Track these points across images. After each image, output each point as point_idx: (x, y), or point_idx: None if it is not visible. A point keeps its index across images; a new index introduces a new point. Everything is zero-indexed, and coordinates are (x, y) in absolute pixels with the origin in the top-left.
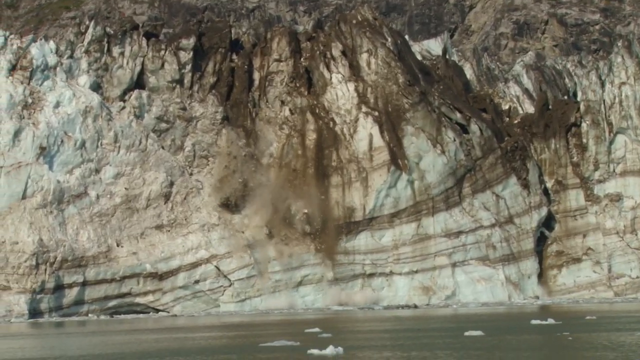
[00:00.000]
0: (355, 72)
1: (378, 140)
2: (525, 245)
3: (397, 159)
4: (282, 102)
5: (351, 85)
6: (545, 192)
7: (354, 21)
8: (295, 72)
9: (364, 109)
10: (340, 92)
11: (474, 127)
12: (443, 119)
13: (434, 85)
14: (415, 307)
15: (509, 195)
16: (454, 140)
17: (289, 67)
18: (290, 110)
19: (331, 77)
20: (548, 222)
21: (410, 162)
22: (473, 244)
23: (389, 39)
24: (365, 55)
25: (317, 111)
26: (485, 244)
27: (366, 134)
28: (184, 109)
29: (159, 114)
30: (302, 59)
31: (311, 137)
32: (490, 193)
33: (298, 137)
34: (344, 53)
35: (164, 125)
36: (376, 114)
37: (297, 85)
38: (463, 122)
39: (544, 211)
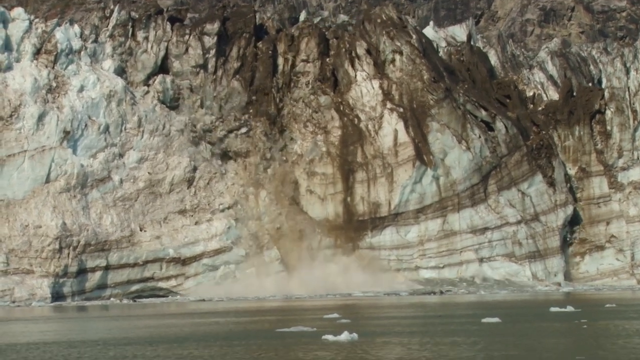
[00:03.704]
0: (379, 69)
1: (403, 136)
2: (552, 243)
3: (422, 154)
4: (307, 105)
5: (376, 83)
6: (571, 190)
7: (379, 20)
8: (322, 74)
9: (388, 105)
10: (365, 90)
11: (499, 124)
12: (468, 115)
13: (459, 83)
14: (441, 292)
15: (535, 192)
16: (479, 137)
17: (315, 68)
18: (314, 109)
19: (356, 75)
20: (574, 219)
21: (435, 158)
22: (499, 241)
23: (414, 37)
24: (389, 53)
25: (341, 108)
26: (512, 241)
27: (391, 130)
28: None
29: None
30: (328, 59)
31: (336, 133)
32: (516, 190)
33: (322, 134)
34: (368, 51)
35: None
36: (401, 110)
37: (323, 86)
38: (488, 120)
39: (569, 209)
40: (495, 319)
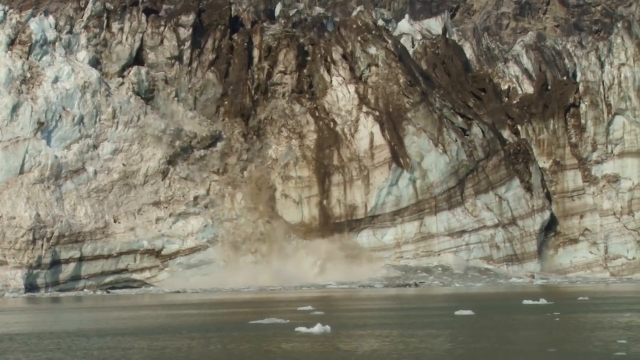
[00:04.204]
0: (355, 74)
1: (379, 139)
2: (529, 247)
3: (399, 157)
4: (282, 114)
5: (352, 87)
6: (548, 196)
7: (354, 26)
8: (299, 85)
9: (364, 109)
10: (341, 94)
11: (475, 129)
12: (444, 120)
13: (435, 88)
14: (416, 285)
15: (512, 197)
16: (456, 140)
17: (293, 80)
18: (289, 117)
19: (331, 81)
20: (550, 225)
21: (412, 161)
22: (476, 244)
23: (389, 41)
24: (365, 57)
25: (317, 114)
26: (489, 244)
27: (367, 133)
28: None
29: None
30: (305, 70)
31: (311, 137)
32: (493, 194)
33: (297, 138)
34: (344, 57)
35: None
36: (377, 113)
37: (300, 97)
38: (464, 127)
39: (547, 214)
40: (469, 312)
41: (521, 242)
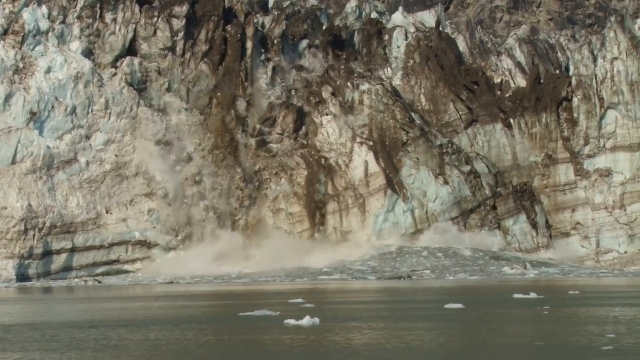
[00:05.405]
0: (345, 110)
1: (373, 167)
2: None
3: (394, 184)
4: (276, 164)
5: (342, 121)
6: (550, 237)
7: (343, 67)
8: (296, 144)
9: (358, 139)
10: (331, 130)
11: (480, 165)
12: (446, 156)
13: (432, 126)
14: (409, 277)
15: (519, 231)
16: (459, 176)
17: (290, 141)
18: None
19: (322, 122)
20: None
21: (409, 192)
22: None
23: (387, 81)
24: (357, 94)
25: (307, 154)
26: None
27: (362, 162)
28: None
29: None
30: (301, 131)
31: (302, 174)
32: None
33: (287, 177)
34: (333, 94)
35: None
36: (371, 143)
37: (295, 152)
38: (469, 165)
39: (550, 252)
40: (459, 305)
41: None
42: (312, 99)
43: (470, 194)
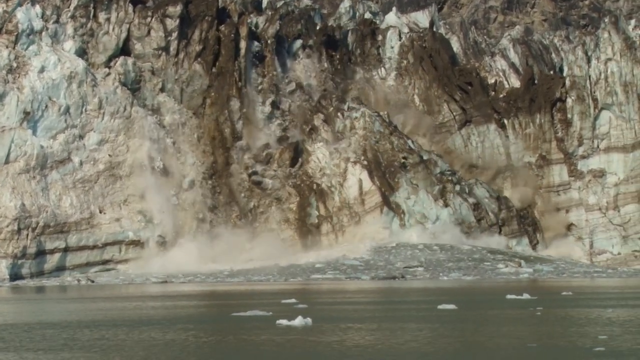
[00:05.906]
0: (337, 136)
1: (368, 184)
2: None
3: (390, 202)
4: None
5: (334, 146)
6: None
7: (334, 96)
8: (292, 175)
9: (352, 159)
10: (322, 155)
11: (481, 190)
12: (447, 182)
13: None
14: (403, 277)
15: (521, 250)
16: (461, 203)
17: (285, 173)
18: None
19: (314, 150)
20: None
21: (408, 212)
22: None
23: (382, 114)
24: (348, 121)
25: (298, 182)
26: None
27: (355, 180)
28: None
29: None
30: (297, 166)
31: (293, 201)
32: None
33: (277, 204)
34: (325, 121)
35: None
36: (365, 162)
37: (289, 186)
38: (470, 192)
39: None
40: (452, 306)
41: None
42: (304, 127)
43: (474, 221)
